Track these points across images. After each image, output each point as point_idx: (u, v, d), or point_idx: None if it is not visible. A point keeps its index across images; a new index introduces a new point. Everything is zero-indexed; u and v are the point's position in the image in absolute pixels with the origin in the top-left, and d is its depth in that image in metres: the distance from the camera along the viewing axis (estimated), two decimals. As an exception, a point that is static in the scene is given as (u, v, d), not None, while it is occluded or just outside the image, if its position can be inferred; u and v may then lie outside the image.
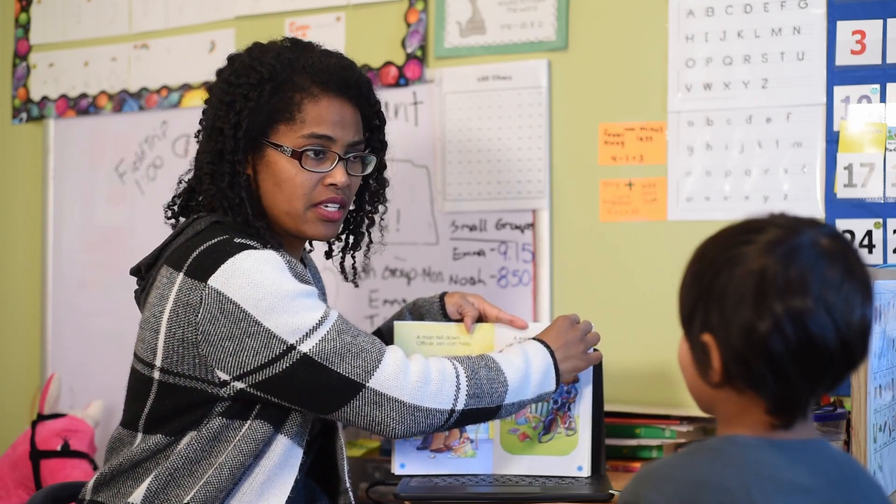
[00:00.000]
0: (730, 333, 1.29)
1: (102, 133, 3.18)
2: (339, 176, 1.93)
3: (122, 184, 3.12)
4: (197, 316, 1.79)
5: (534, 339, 1.97)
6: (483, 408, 1.86)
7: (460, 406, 1.83)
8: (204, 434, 1.82)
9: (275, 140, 1.90)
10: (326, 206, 1.93)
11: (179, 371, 1.82)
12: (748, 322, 1.27)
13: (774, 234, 1.29)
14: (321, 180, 1.92)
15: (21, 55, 3.30)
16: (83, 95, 3.19)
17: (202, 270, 1.80)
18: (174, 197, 2.03)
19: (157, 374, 1.85)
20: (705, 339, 1.32)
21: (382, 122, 2.05)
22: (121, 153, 3.14)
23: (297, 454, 1.85)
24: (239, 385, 1.79)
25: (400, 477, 2.04)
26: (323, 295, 1.90)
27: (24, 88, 3.28)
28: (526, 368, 1.90)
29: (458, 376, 1.84)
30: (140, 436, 1.86)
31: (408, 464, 2.04)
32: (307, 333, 1.78)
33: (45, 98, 3.24)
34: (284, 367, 1.77)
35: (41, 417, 2.83)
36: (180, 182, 2.04)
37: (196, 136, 2.00)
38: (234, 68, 1.93)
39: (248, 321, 1.77)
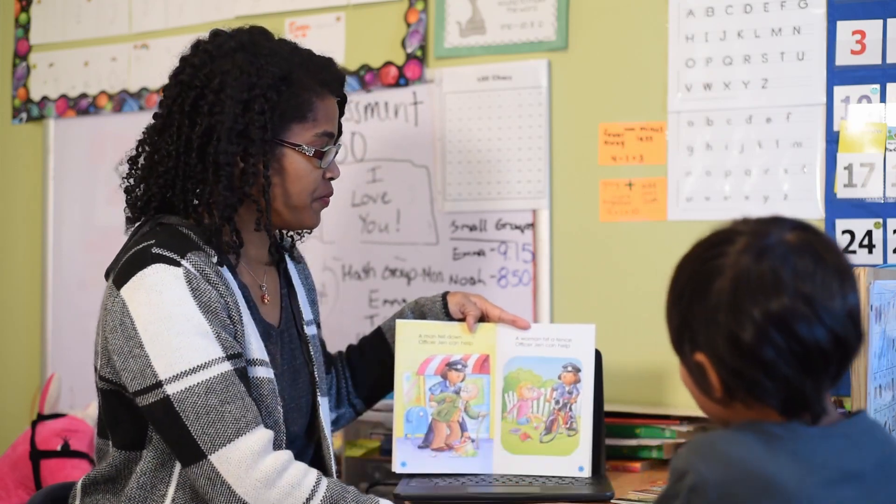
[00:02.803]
0: (718, 349, 1.29)
1: (102, 133, 3.18)
2: (337, 170, 1.97)
3: (120, 185, 3.12)
4: (107, 322, 1.79)
5: None
6: None
7: None
8: (157, 446, 1.81)
9: (290, 139, 1.89)
10: (324, 199, 1.97)
11: (104, 374, 1.83)
12: (731, 333, 1.27)
13: (743, 243, 1.30)
14: (322, 175, 1.94)
15: (21, 55, 3.29)
16: (83, 95, 3.19)
17: (120, 278, 1.79)
18: (146, 199, 1.91)
19: (97, 380, 1.86)
20: (699, 358, 1.32)
21: (343, 111, 2.06)
22: (121, 153, 3.09)
23: None
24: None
25: (400, 476, 2.04)
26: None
27: (24, 88, 3.28)
28: None
29: (310, 498, 1.71)
30: (110, 444, 1.87)
31: (409, 462, 2.05)
32: (178, 375, 1.71)
33: (45, 98, 3.24)
34: (149, 401, 1.73)
35: (41, 417, 2.83)
36: (141, 181, 1.93)
37: (174, 133, 1.87)
38: (238, 63, 1.86)
39: (135, 341, 1.73)
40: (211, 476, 1.70)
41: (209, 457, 1.70)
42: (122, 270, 1.79)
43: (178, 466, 1.80)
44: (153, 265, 1.76)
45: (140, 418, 1.81)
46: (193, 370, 1.72)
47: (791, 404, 1.29)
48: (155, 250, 1.78)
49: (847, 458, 1.29)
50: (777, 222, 1.33)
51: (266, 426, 1.78)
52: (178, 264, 1.77)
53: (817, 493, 1.25)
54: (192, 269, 1.77)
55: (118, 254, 1.88)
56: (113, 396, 1.83)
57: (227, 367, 1.74)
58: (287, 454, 1.75)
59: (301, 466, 1.75)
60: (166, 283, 1.75)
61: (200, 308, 1.75)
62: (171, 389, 1.71)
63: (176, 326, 1.73)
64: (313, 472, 1.75)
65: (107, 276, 1.89)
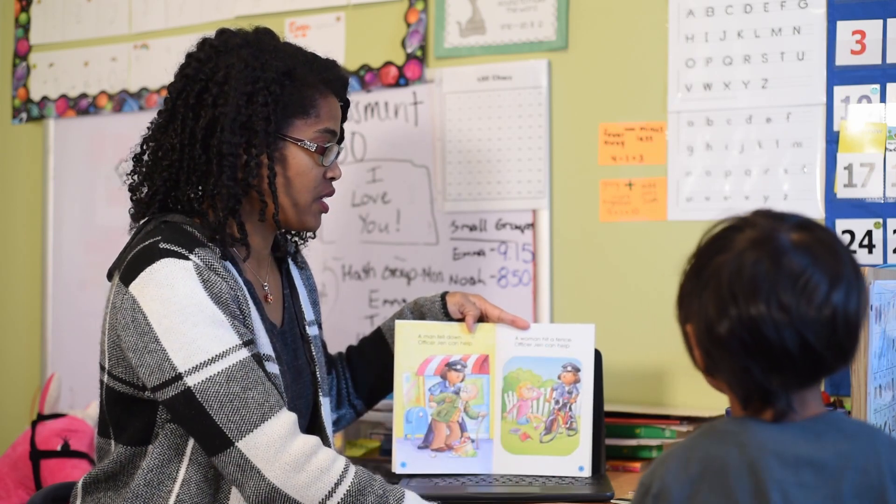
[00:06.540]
0: (699, 328, 1.36)
1: (102, 133, 3.18)
2: (339, 170, 1.98)
3: (122, 184, 3.10)
4: (118, 320, 1.78)
5: None
6: None
7: None
8: (163, 442, 1.80)
9: (292, 135, 1.90)
10: (325, 199, 1.97)
11: (117, 374, 1.83)
12: (710, 321, 1.34)
13: (749, 235, 1.35)
14: (324, 174, 1.94)
15: (21, 55, 3.29)
16: (83, 95, 3.19)
17: (128, 275, 1.78)
18: (150, 194, 1.91)
19: (106, 378, 1.86)
20: (687, 329, 1.40)
21: (346, 116, 2.06)
22: (121, 153, 3.09)
23: None
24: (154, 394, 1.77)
25: (400, 477, 2.04)
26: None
27: (24, 88, 3.28)
28: None
29: (339, 483, 1.71)
30: (112, 443, 1.87)
31: (409, 463, 2.05)
32: (198, 366, 1.71)
33: (45, 98, 3.24)
34: (170, 395, 1.73)
35: (41, 417, 2.83)
36: (146, 178, 1.93)
37: (177, 126, 1.88)
38: (242, 57, 1.87)
39: (150, 336, 1.73)
40: (240, 463, 1.70)
41: (236, 444, 1.70)
42: (128, 267, 1.79)
43: (184, 464, 1.80)
44: (162, 260, 1.76)
45: (148, 414, 1.81)
46: (212, 360, 1.72)
47: (753, 398, 1.35)
48: (162, 245, 1.78)
49: (802, 447, 1.33)
50: (784, 219, 1.37)
51: None
52: (186, 258, 1.77)
53: (775, 474, 1.30)
54: (201, 263, 1.78)
55: (122, 252, 1.88)
56: (121, 394, 1.83)
57: (244, 353, 1.75)
58: (315, 439, 1.75)
59: (330, 452, 1.75)
60: (177, 276, 1.75)
61: (212, 298, 1.75)
62: (191, 381, 1.71)
63: (190, 318, 1.72)
64: (342, 459, 1.75)
65: (109, 275, 1.89)
